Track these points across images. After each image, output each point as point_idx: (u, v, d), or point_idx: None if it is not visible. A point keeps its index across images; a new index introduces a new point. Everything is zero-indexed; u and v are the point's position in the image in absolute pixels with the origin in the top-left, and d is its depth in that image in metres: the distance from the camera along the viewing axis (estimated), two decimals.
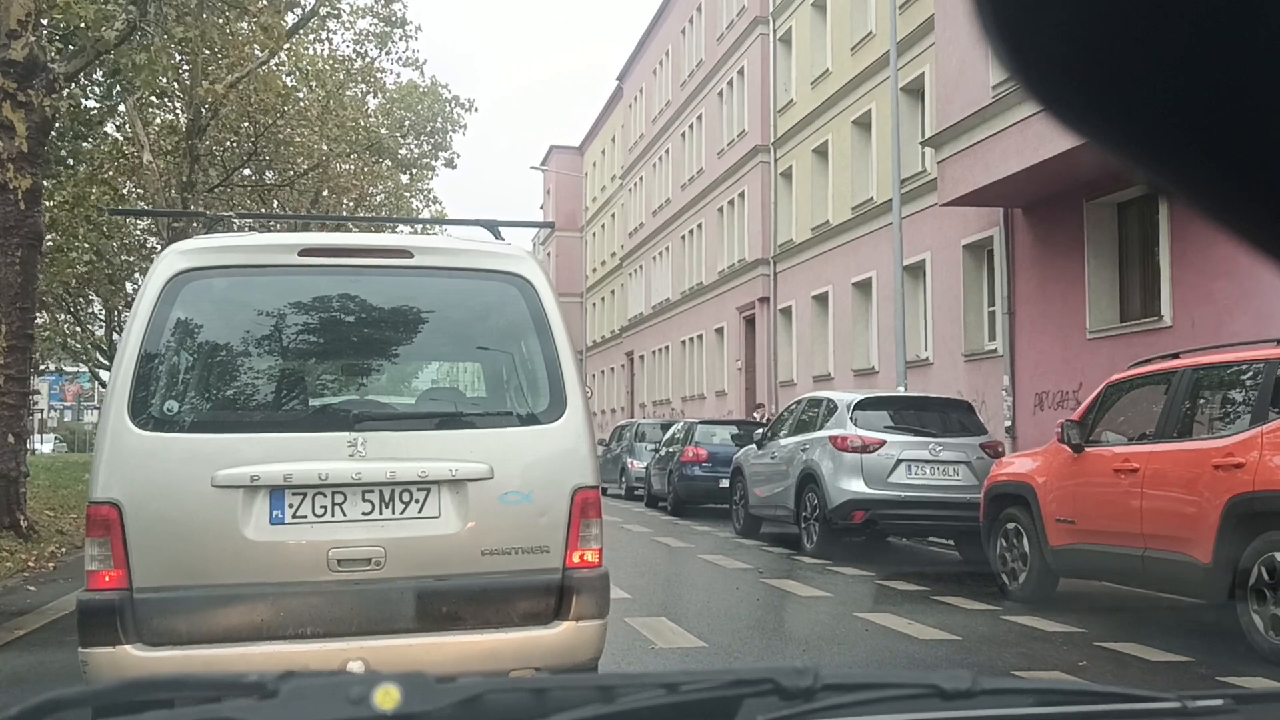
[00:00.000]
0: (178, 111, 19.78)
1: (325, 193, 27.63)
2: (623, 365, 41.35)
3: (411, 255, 3.92)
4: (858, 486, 10.06)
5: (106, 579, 3.43)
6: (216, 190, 20.13)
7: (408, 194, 34.12)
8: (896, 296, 15.46)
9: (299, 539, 3.56)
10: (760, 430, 12.68)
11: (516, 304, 3.89)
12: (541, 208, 59.05)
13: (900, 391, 12.32)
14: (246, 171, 21.80)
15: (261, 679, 0.89)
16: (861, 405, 10.66)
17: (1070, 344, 14.50)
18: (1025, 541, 7.56)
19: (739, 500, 12.88)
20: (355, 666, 3.41)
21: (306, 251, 3.85)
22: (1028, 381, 15.35)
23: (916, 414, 10.76)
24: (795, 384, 24.21)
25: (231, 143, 19.65)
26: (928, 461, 10.11)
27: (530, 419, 3.85)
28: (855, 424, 10.39)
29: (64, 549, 10.77)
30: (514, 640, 3.63)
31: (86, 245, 21.01)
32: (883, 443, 10.14)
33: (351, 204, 31.26)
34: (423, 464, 3.65)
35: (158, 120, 20.40)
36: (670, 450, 17.53)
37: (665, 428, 21.46)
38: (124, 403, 3.53)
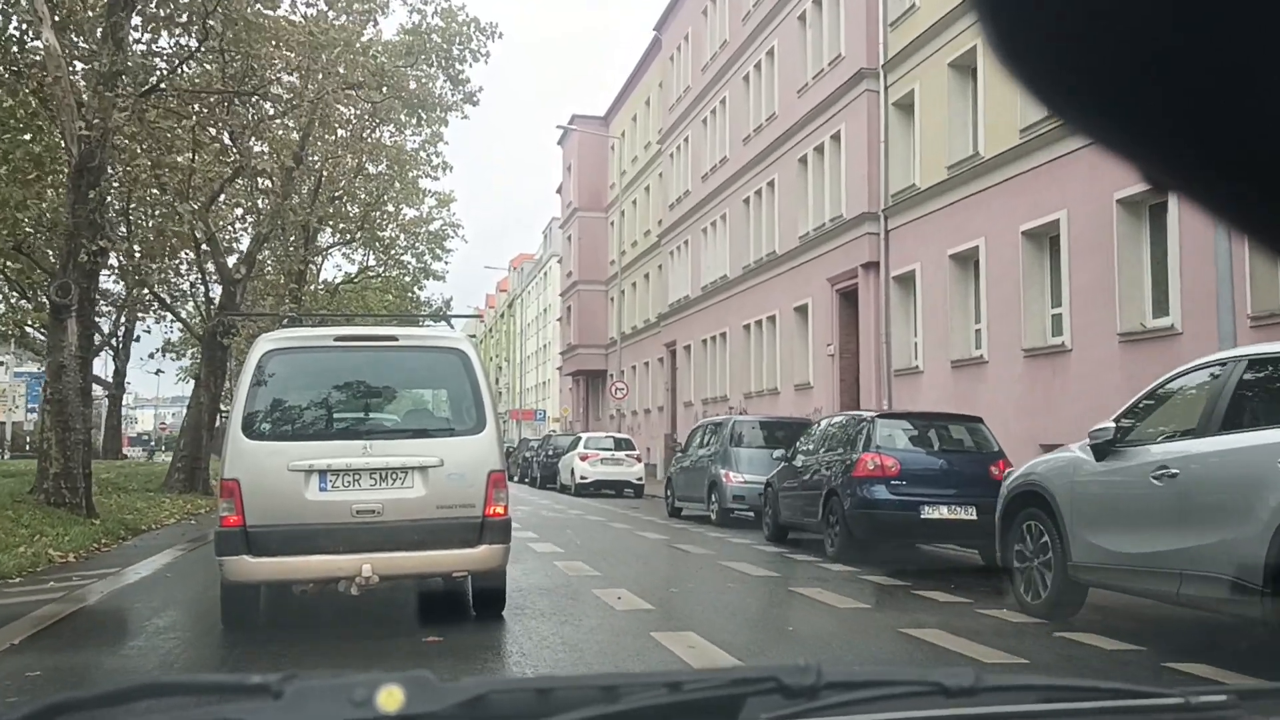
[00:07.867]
0: None
1: (314, 137, 22.11)
2: (660, 359, 35.75)
3: (397, 339, 7.42)
4: None
5: (232, 520, 6.45)
6: (162, 98, 14.49)
7: (412, 163, 28.27)
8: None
9: (335, 498, 6.61)
10: (1104, 429, 6.72)
11: (456, 367, 7.10)
12: (559, 190, 53.60)
13: None
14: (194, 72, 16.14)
15: (265, 681, 0.89)
16: None
17: None
18: None
19: (1031, 554, 7.30)
20: (366, 569, 6.39)
21: (339, 338, 7.51)
22: None
23: None
24: (921, 371, 18.71)
25: (176, 27, 13.95)
26: None
27: (464, 432, 6.98)
28: None
29: None
30: (454, 555, 6.69)
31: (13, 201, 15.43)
32: None
33: (350, 172, 25.76)
34: (404, 458, 6.75)
35: None
36: (810, 462, 11.91)
37: (770, 426, 15.94)
38: (239, 424, 6.67)
